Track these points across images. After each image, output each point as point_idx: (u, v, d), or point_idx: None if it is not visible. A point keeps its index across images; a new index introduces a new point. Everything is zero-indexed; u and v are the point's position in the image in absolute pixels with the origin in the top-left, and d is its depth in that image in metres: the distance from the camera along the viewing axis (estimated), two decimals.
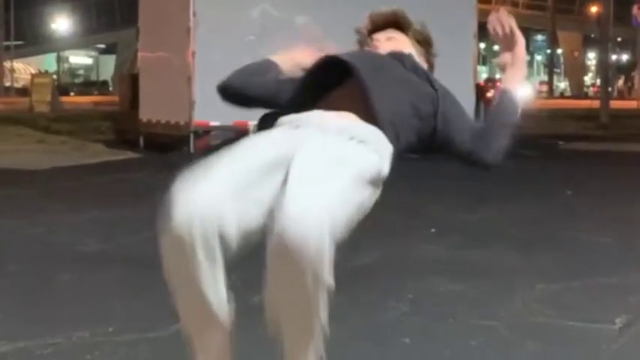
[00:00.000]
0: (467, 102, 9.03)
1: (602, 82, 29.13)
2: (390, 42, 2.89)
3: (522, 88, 2.74)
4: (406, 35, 2.93)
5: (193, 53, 12.87)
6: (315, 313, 2.10)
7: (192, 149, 12.91)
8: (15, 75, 55.00)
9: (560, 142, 16.82)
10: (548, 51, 67.35)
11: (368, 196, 2.33)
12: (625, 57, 69.50)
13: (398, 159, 2.48)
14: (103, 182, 10.19)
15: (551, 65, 66.28)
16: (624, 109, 29.64)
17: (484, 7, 16.44)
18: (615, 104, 29.38)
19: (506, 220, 7.29)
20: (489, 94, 19.01)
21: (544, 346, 3.76)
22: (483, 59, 61.86)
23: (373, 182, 2.34)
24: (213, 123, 12.52)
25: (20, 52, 56.85)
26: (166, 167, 2.30)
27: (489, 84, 25.78)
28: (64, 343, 3.70)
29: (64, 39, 61.18)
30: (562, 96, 66.30)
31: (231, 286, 2.23)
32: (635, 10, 30.28)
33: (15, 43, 53.56)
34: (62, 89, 45.81)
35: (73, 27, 60.73)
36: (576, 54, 72.40)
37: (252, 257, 2.16)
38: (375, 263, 5.49)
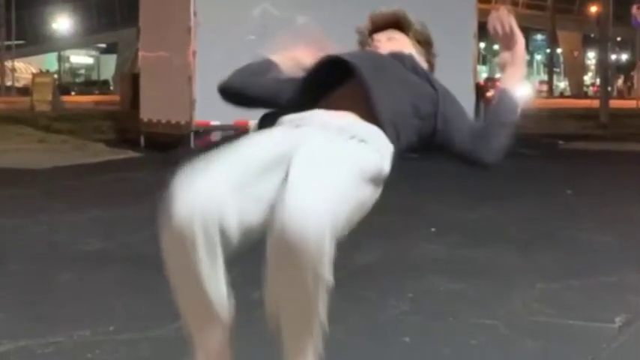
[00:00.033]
0: (467, 101, 9.05)
1: (601, 81, 29.11)
2: (391, 42, 2.90)
3: (522, 88, 2.75)
4: (407, 36, 2.94)
5: (194, 53, 12.87)
6: (314, 309, 2.11)
7: (192, 147, 12.91)
8: (16, 74, 54.98)
9: (560, 142, 16.83)
10: (548, 50, 67.33)
11: (369, 195, 2.34)
12: (624, 57, 69.43)
13: (398, 158, 2.49)
14: (103, 181, 10.20)
15: (550, 65, 66.25)
16: (624, 108, 29.57)
17: (484, 6, 16.44)
18: (615, 104, 29.34)
19: (506, 219, 7.30)
20: (489, 94, 19.00)
21: (544, 344, 3.77)
22: (483, 59, 61.90)
23: (374, 181, 2.35)
24: (213, 122, 12.52)
25: (21, 52, 56.82)
26: (167, 166, 2.30)
27: (489, 83, 25.75)
28: (65, 342, 3.71)
29: (65, 38, 61.14)
30: (562, 95, 66.23)
31: (232, 282, 2.24)
32: (634, 9, 30.23)
33: (16, 42, 53.52)
34: (63, 89, 45.78)
35: (74, 27, 60.69)
36: (576, 53, 72.34)
37: (253, 253, 2.17)
38: (376, 262, 5.50)
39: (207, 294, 2.18)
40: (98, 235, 6.29)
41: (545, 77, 71.46)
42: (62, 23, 61.24)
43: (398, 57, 2.77)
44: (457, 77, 6.35)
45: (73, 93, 52.70)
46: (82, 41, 63.65)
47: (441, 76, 2.86)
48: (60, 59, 66.35)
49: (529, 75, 68.89)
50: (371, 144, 2.38)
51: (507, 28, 2.70)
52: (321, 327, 2.16)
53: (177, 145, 13.03)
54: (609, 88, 32.00)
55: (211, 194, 2.11)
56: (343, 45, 2.75)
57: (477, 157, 2.63)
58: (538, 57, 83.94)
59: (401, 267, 5.40)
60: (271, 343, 2.24)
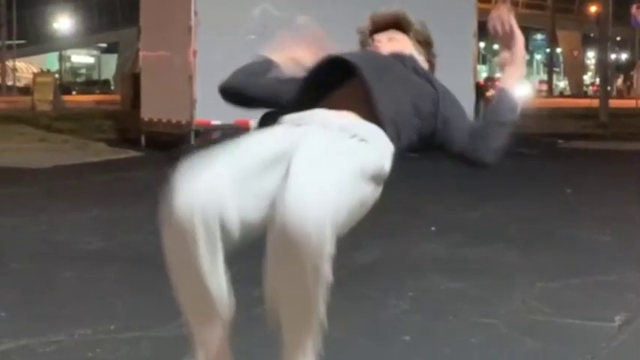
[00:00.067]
0: (467, 101, 9.06)
1: (601, 81, 29.11)
2: (392, 42, 2.91)
3: (521, 87, 2.76)
4: (407, 36, 2.96)
5: (194, 52, 12.87)
6: (314, 303, 2.12)
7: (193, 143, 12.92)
8: (17, 74, 54.85)
9: (560, 141, 16.82)
10: (548, 50, 67.25)
11: (369, 193, 2.35)
12: (624, 56, 69.37)
13: (398, 158, 2.50)
14: (104, 181, 10.21)
15: (550, 64, 66.16)
16: (623, 107, 29.55)
17: (484, 6, 16.43)
18: (614, 103, 29.32)
19: (506, 218, 7.31)
20: (489, 93, 19.00)
21: (543, 343, 3.78)
22: (483, 58, 61.85)
23: (374, 179, 2.36)
24: (214, 122, 12.52)
25: (22, 52, 56.74)
26: (168, 165, 2.31)
27: (489, 83, 25.75)
28: (66, 340, 3.71)
29: (65, 38, 61.09)
30: (561, 95, 66.16)
31: (232, 279, 2.25)
32: (634, 9, 30.23)
33: (17, 42, 53.47)
34: (64, 88, 45.68)
35: (75, 26, 60.63)
36: (576, 53, 72.30)
37: (253, 251, 2.18)
38: (376, 261, 5.51)
39: (207, 289, 2.20)
40: (99, 234, 6.29)
41: (544, 77, 71.37)
42: (63, 23, 61.21)
43: (399, 57, 2.79)
44: (457, 77, 6.36)
45: (74, 92, 52.61)
46: (83, 41, 63.59)
47: (441, 75, 2.87)
48: (61, 59, 66.32)
49: (529, 74, 68.85)
50: (371, 143, 2.39)
51: (507, 27, 2.71)
52: (320, 323, 2.17)
53: (178, 145, 13.04)
54: (609, 88, 32.00)
55: (212, 188, 2.13)
56: (343, 45, 2.76)
57: (476, 157, 2.64)
58: (538, 56, 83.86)
59: (401, 266, 5.41)
60: (271, 341, 2.25)
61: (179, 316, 2.31)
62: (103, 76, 68.17)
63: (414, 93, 2.63)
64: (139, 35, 16.08)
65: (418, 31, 2.97)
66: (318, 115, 2.49)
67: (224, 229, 2.13)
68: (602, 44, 29.41)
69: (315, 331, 2.19)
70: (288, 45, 2.92)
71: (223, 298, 2.24)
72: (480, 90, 16.95)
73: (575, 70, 73.04)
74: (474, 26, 14.28)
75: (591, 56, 76.71)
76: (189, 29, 12.91)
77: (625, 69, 66.98)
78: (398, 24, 2.97)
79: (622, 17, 40.96)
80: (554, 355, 3.68)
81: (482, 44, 48.61)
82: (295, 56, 2.87)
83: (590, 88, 68.56)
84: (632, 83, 59.54)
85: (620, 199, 8.42)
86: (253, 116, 2.86)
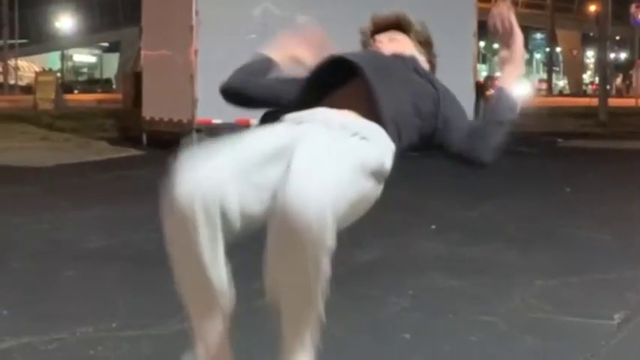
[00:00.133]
0: (467, 100, 9.08)
1: (600, 80, 29.09)
2: (393, 43, 2.94)
3: (520, 86, 2.77)
4: (408, 37, 2.98)
5: (196, 51, 12.89)
6: (313, 294, 2.14)
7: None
8: (19, 73, 54.86)
9: (559, 140, 16.83)
10: (547, 49, 67.22)
11: (369, 189, 2.37)
12: (623, 55, 69.35)
13: (399, 157, 2.52)
14: (106, 179, 10.23)
15: (550, 63, 66.13)
16: (622, 106, 29.55)
17: (484, 5, 16.43)
18: (613, 102, 29.32)
19: (506, 217, 7.32)
20: (489, 92, 19.01)
21: (543, 341, 3.79)
22: (483, 57, 61.83)
23: (375, 175, 2.38)
24: (215, 121, 12.52)
25: (24, 51, 56.73)
26: (169, 164, 2.33)
27: (489, 82, 25.77)
28: (68, 338, 3.72)
29: (67, 37, 61.10)
30: (561, 94, 66.16)
31: (233, 272, 2.27)
32: (633, 8, 30.25)
33: (19, 41, 53.44)
34: (66, 87, 45.67)
35: (77, 25, 60.66)
36: (575, 52, 72.30)
37: (254, 244, 2.20)
38: (376, 260, 5.52)
39: (209, 279, 2.22)
40: (101, 232, 6.30)
41: (544, 76, 71.31)
42: (65, 22, 61.23)
43: (400, 57, 2.81)
44: (457, 76, 6.38)
45: (75, 91, 52.67)
46: (84, 40, 63.63)
47: (441, 75, 2.89)
48: (63, 58, 66.31)
49: (528, 73, 68.82)
50: (372, 141, 2.41)
51: (507, 25, 2.73)
52: (319, 317, 2.19)
53: (180, 143, 13.04)
54: (608, 87, 31.99)
55: (213, 177, 2.15)
56: (344, 44, 2.78)
57: (474, 156, 2.65)
58: (537, 56, 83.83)
59: (401, 264, 5.43)
60: (271, 333, 2.26)
61: (180, 315, 2.32)
62: (105, 75, 68.23)
63: (415, 93, 2.65)
64: (141, 34, 16.11)
65: (419, 32, 3.00)
66: (320, 113, 2.51)
67: (225, 217, 2.15)
68: (602, 43, 29.40)
69: (314, 324, 2.21)
70: (288, 44, 2.94)
71: (224, 289, 2.26)
72: (480, 89, 16.96)
73: (574, 69, 73.04)
74: (473, 26, 14.29)
75: (590, 55, 76.72)
76: (191, 28, 12.93)
77: (624, 68, 67.01)
78: (399, 25, 2.99)
79: (621, 16, 40.97)
80: (554, 352, 3.68)
81: (482, 43, 48.62)
82: (295, 55, 2.89)
83: (590, 87, 68.61)
84: (631, 82, 59.52)
85: (620, 198, 8.43)
86: (254, 115, 2.88)
